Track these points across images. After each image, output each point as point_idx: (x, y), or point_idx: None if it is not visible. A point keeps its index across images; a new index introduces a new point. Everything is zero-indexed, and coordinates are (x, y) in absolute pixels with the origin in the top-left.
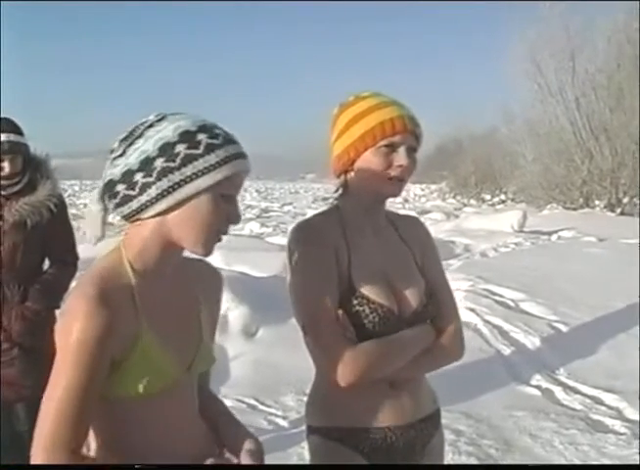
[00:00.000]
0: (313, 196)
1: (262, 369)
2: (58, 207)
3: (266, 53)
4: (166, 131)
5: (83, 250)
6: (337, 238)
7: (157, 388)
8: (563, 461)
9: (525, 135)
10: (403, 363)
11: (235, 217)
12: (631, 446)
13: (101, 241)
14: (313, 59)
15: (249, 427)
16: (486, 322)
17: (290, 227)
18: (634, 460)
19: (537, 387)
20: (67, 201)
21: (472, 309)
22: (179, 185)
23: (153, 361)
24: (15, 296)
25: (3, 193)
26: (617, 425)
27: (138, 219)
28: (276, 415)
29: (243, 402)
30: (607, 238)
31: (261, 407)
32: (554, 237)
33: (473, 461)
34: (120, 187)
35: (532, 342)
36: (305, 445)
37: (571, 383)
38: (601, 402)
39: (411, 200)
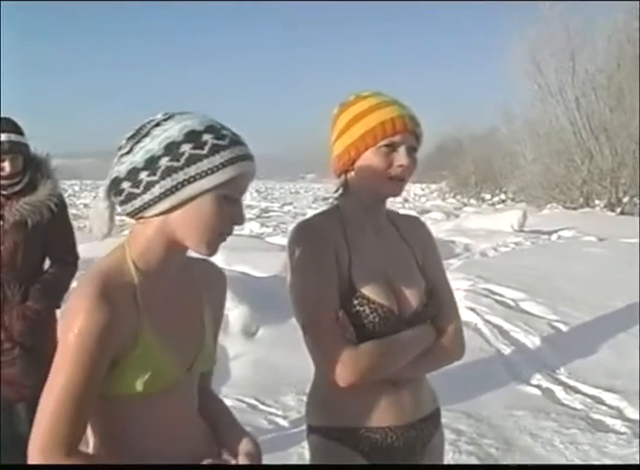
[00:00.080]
0: (313, 196)
1: (262, 369)
2: (58, 206)
3: (266, 53)
4: (172, 131)
5: (83, 250)
6: (337, 238)
7: (156, 387)
8: (563, 461)
9: (525, 135)
10: (403, 364)
11: (239, 219)
12: (632, 445)
13: (107, 237)
14: (313, 59)
15: (249, 427)
16: (487, 322)
17: (290, 227)
18: (635, 460)
19: (538, 386)
20: (67, 201)
21: (472, 309)
22: (183, 185)
23: (153, 361)
24: (15, 295)
25: (4, 193)
26: (618, 424)
27: (142, 217)
28: (276, 415)
29: (243, 402)
30: (607, 238)
31: (262, 407)
32: (554, 237)
33: (473, 461)
34: (125, 184)
35: (533, 341)
36: (306, 444)
37: (571, 382)
38: (601, 402)
39: (411, 199)
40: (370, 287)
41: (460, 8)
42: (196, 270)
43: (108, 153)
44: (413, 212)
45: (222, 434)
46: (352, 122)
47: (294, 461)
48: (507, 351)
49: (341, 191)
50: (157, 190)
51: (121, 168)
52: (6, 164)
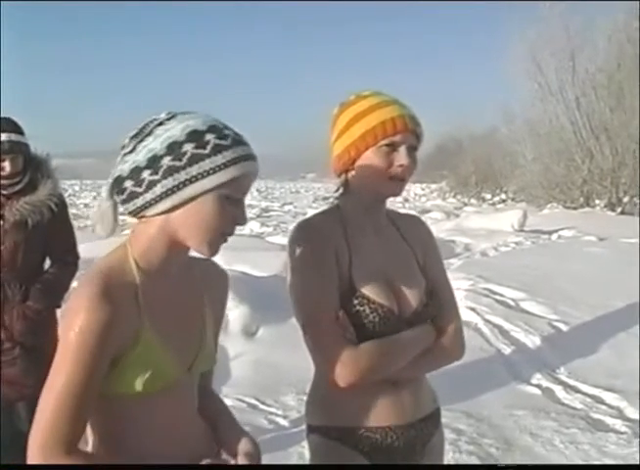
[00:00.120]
0: (314, 195)
1: (262, 369)
2: (58, 206)
3: (266, 53)
4: (175, 130)
5: (84, 249)
6: (337, 238)
7: (156, 387)
8: (563, 460)
9: (525, 135)
10: (404, 364)
11: (241, 219)
12: (632, 445)
13: (111, 236)
14: (313, 59)
15: (249, 426)
16: (487, 321)
17: (290, 227)
18: (635, 459)
19: (538, 386)
20: (67, 200)
21: (472, 309)
22: (184, 184)
23: (153, 360)
24: (16, 295)
25: (4, 192)
26: (618, 424)
27: (143, 217)
28: (276, 415)
29: (243, 402)
30: (607, 237)
31: (262, 407)
32: (554, 236)
33: (473, 460)
34: (128, 183)
35: (533, 341)
36: (306, 444)
37: (571, 382)
38: (601, 401)
39: (411, 199)
40: (370, 287)
41: (460, 8)
42: (198, 270)
43: (108, 153)
44: (413, 212)
45: (222, 434)
46: (353, 122)
47: (294, 461)
48: (507, 350)
49: (341, 191)
50: (158, 189)
51: (124, 167)
52: (6, 164)
